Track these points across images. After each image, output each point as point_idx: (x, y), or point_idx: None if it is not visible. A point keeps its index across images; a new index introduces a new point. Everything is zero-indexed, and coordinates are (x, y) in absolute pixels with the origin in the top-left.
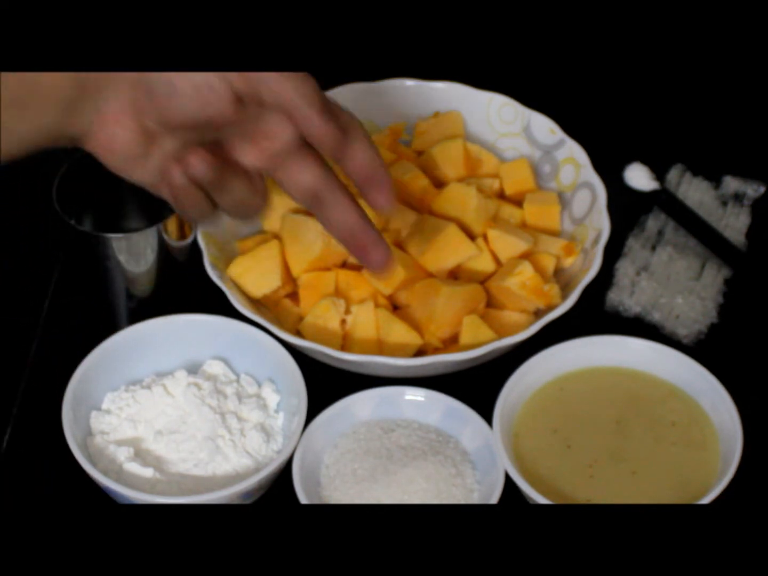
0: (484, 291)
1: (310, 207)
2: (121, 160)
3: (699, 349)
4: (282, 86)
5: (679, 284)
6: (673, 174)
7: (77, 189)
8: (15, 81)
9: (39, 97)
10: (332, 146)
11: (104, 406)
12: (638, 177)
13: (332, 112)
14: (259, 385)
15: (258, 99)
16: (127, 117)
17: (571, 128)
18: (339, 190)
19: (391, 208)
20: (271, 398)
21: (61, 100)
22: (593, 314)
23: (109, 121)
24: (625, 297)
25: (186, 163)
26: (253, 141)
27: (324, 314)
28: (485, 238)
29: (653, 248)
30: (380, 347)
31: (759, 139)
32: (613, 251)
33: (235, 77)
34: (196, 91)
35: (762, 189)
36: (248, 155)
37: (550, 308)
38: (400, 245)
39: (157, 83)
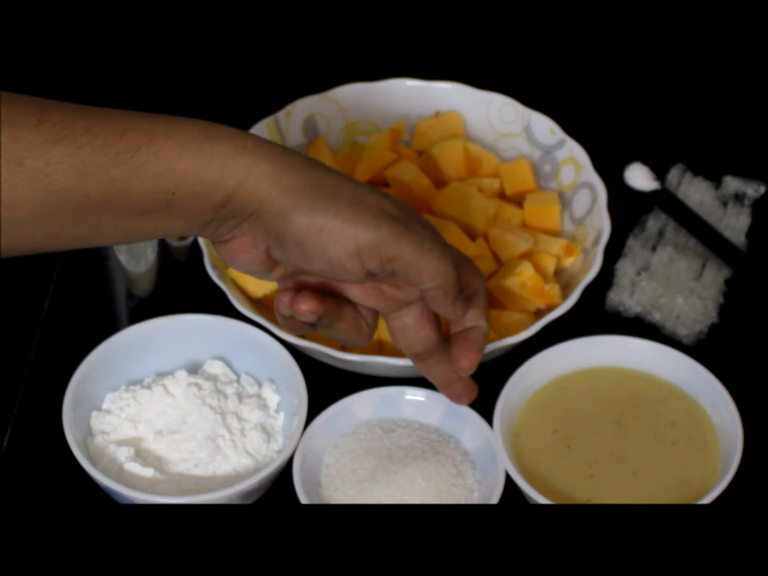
0: None
1: (412, 357)
2: (239, 268)
3: (699, 349)
4: (419, 271)
5: (679, 284)
6: (674, 174)
7: None
8: (175, 193)
9: (187, 214)
10: (452, 321)
11: (104, 406)
12: (638, 177)
13: (463, 294)
14: (260, 385)
15: (391, 275)
16: (257, 250)
17: (571, 128)
18: (443, 350)
19: (469, 371)
20: (272, 398)
21: (201, 221)
22: (593, 314)
23: (238, 246)
24: (625, 297)
25: (295, 299)
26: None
27: None
28: (486, 238)
29: (653, 248)
30: (381, 347)
31: (759, 139)
32: (614, 251)
33: (368, 257)
34: (328, 263)
35: (762, 189)
36: (367, 300)
37: (551, 308)
38: None
39: (290, 242)
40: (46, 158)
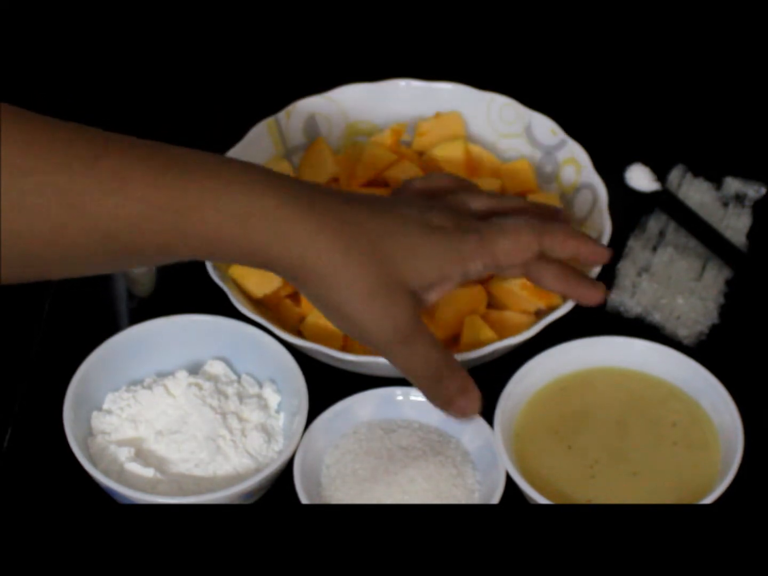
0: (484, 292)
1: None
2: None
3: (700, 350)
4: (510, 259)
5: (680, 285)
6: (674, 175)
7: None
8: (215, 255)
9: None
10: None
11: (105, 406)
12: (639, 178)
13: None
14: (260, 385)
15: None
16: None
17: (572, 129)
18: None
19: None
20: (272, 398)
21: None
22: (594, 315)
23: None
24: (626, 298)
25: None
26: None
27: None
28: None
29: (654, 249)
30: None
31: (760, 140)
32: (614, 252)
33: (472, 268)
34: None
35: (763, 190)
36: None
37: (551, 309)
38: None
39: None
40: (100, 205)
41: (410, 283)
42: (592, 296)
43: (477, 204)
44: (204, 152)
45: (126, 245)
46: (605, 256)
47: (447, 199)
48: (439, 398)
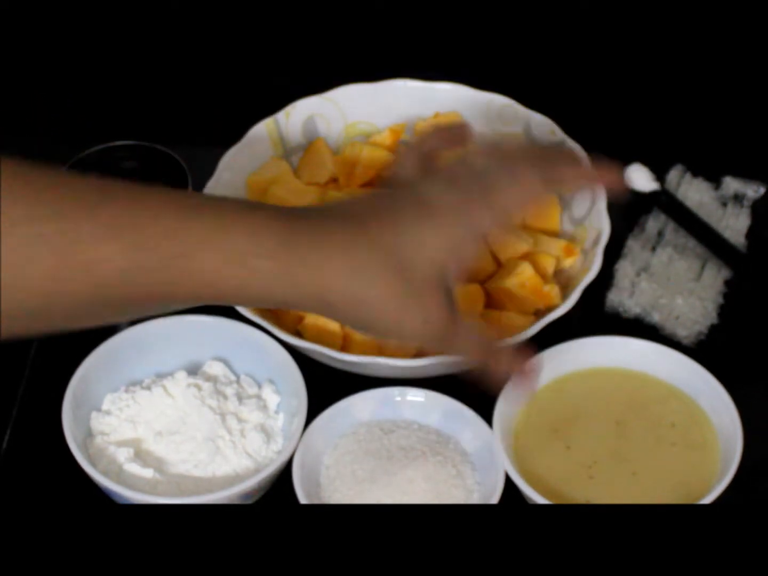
0: (482, 291)
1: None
2: None
3: (699, 350)
4: (511, 203)
5: (679, 285)
6: (673, 175)
7: None
8: (217, 298)
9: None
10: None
11: (104, 407)
12: (638, 178)
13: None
14: (259, 385)
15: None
16: None
17: (571, 129)
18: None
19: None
20: (271, 399)
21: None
22: (593, 315)
23: None
24: (624, 298)
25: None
26: None
27: None
28: (485, 238)
29: (653, 249)
30: (380, 348)
31: (759, 139)
32: (613, 252)
33: (483, 225)
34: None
35: (762, 190)
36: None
37: (550, 309)
38: None
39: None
40: (95, 254)
41: (432, 274)
42: (610, 176)
43: (473, 160)
44: (199, 194)
45: (122, 297)
46: (603, 177)
47: (442, 170)
48: (494, 378)
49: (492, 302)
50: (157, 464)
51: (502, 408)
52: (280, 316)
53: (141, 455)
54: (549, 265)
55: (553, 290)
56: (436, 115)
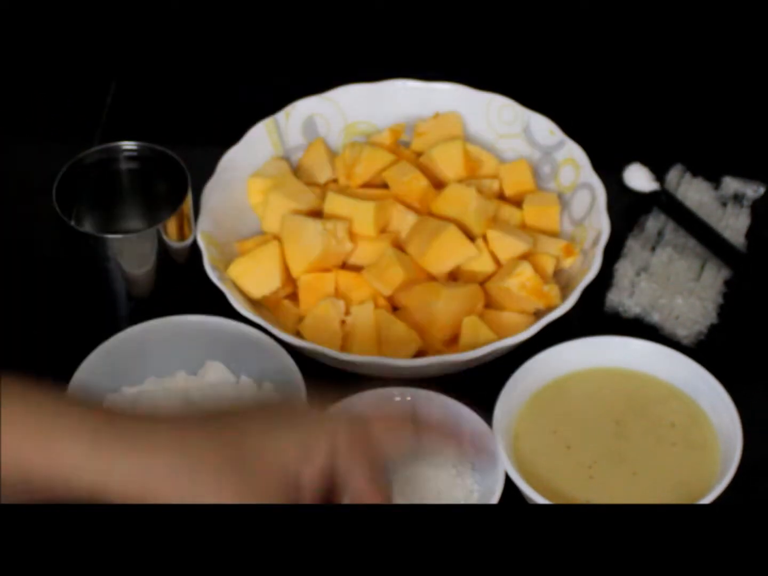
0: (482, 291)
1: None
2: None
3: (699, 350)
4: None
5: (678, 285)
6: (673, 175)
7: (77, 189)
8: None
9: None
10: None
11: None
12: (638, 178)
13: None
14: (259, 386)
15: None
16: None
17: (570, 129)
18: None
19: None
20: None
21: None
22: (593, 315)
23: None
24: (624, 298)
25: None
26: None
27: (324, 315)
28: (485, 239)
29: (653, 249)
30: (380, 348)
31: (759, 139)
32: (613, 252)
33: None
34: None
35: (762, 190)
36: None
37: (550, 309)
38: (400, 246)
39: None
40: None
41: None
42: None
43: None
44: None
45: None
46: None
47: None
48: None
49: (492, 302)
50: None
51: (501, 408)
52: (280, 317)
53: None
54: (549, 265)
55: (552, 290)
56: (436, 115)
